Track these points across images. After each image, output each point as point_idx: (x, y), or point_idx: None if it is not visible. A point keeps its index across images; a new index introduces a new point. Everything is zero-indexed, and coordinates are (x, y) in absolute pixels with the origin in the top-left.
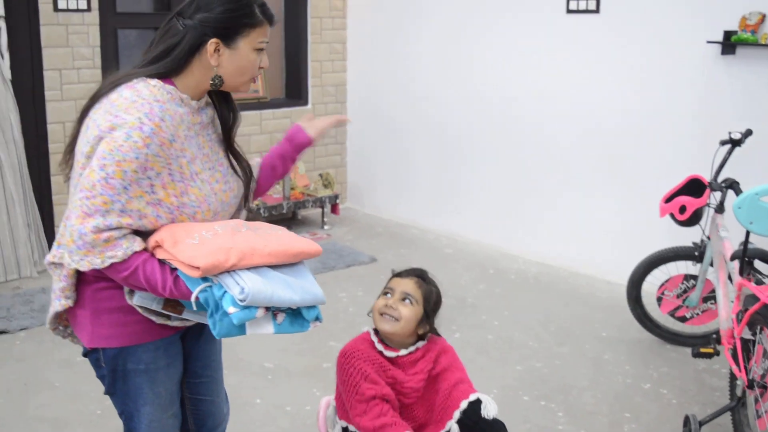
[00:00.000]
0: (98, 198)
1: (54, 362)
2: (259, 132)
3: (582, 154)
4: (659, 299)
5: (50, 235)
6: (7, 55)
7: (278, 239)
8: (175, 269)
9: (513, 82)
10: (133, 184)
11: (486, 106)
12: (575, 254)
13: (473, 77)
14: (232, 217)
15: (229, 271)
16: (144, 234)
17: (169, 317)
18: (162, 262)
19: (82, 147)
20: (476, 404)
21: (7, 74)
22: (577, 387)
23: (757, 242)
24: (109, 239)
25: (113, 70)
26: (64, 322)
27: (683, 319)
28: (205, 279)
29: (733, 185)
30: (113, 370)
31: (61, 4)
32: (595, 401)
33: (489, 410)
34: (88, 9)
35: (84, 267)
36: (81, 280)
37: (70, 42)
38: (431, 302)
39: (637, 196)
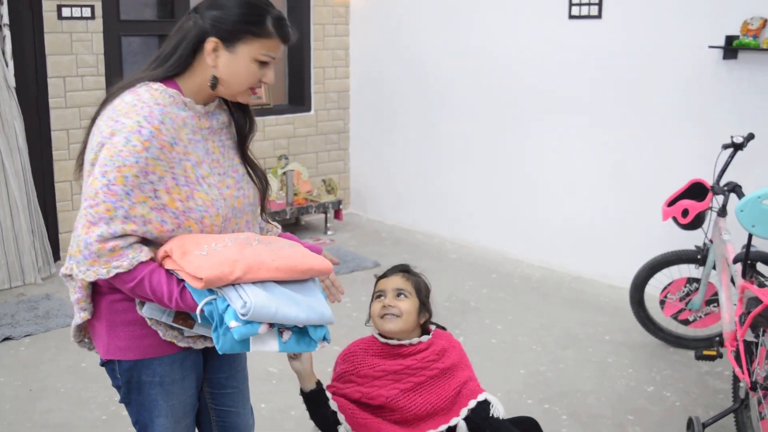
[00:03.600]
0: (101, 206)
1: (59, 368)
2: (263, 138)
3: (585, 159)
4: (662, 302)
5: (54, 242)
6: (11, 63)
7: (289, 254)
8: (183, 281)
9: (515, 88)
10: (135, 189)
11: (489, 112)
12: (578, 258)
13: (477, 82)
14: (249, 226)
15: (233, 284)
16: (153, 244)
17: (180, 332)
18: (170, 273)
19: (88, 155)
20: (484, 404)
21: (12, 82)
22: (580, 390)
23: (760, 245)
24: (114, 249)
25: (118, 77)
26: (88, 334)
27: (686, 322)
28: (211, 292)
29: (735, 189)
30: (128, 382)
31: (66, 12)
32: (598, 404)
33: (498, 410)
34: (92, 17)
35: (90, 277)
36: (97, 291)
37: (74, 49)
38: (422, 291)
39: (639, 199)
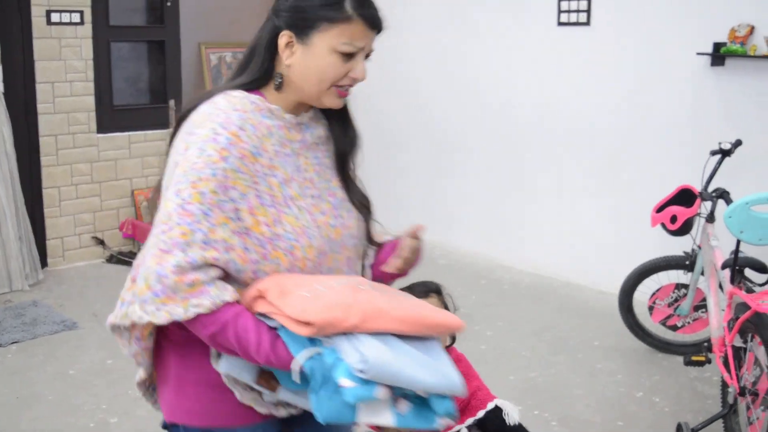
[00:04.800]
0: (176, 230)
1: (46, 375)
2: None
3: (574, 165)
4: (651, 308)
5: (42, 248)
6: None
7: (411, 305)
8: (275, 329)
9: (506, 94)
10: (214, 208)
11: (479, 117)
12: (568, 264)
13: (467, 88)
14: (351, 265)
15: (346, 333)
16: (234, 282)
17: (260, 394)
18: (258, 319)
19: (165, 181)
20: (496, 411)
21: (0, 87)
22: (570, 396)
23: (748, 251)
24: (194, 284)
25: (107, 83)
26: (154, 383)
27: (675, 328)
28: (313, 342)
29: (723, 195)
30: None
31: (54, 18)
32: (588, 410)
33: (511, 417)
34: (81, 22)
35: (161, 319)
36: (166, 338)
37: (62, 55)
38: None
39: (628, 206)
